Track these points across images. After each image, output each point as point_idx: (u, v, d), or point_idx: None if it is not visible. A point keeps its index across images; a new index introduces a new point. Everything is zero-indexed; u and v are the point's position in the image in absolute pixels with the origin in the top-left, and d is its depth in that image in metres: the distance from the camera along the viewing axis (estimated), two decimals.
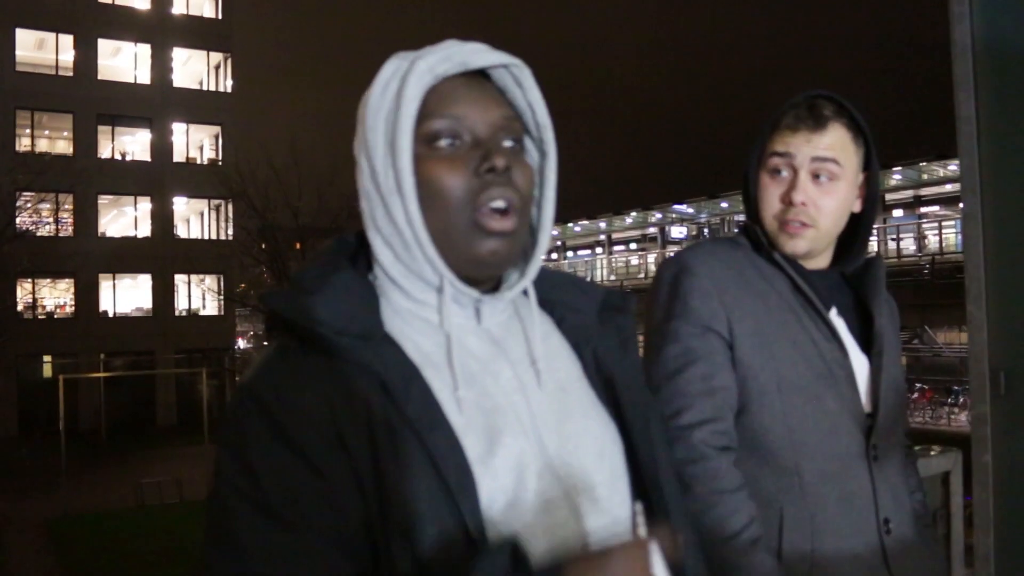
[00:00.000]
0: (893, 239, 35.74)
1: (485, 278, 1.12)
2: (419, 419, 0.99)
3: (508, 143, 1.11)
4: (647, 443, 1.17)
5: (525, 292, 1.17)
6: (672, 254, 1.91)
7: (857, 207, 1.85)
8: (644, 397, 1.22)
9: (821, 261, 1.85)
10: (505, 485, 1.01)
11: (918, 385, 28.74)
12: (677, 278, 1.77)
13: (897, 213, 43.47)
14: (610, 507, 1.10)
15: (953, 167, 38.48)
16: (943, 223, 36.40)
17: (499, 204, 1.07)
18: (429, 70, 1.07)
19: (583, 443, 1.11)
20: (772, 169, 1.79)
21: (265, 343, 1.13)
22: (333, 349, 1.01)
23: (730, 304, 1.73)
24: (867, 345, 1.80)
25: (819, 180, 1.76)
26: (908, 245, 35.63)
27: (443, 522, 0.96)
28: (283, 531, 0.97)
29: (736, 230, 1.94)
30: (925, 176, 42.31)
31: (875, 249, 33.81)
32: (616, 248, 59.79)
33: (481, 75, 1.13)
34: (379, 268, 1.11)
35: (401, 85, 1.07)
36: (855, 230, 1.87)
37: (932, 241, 35.35)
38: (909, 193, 43.46)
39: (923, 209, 42.80)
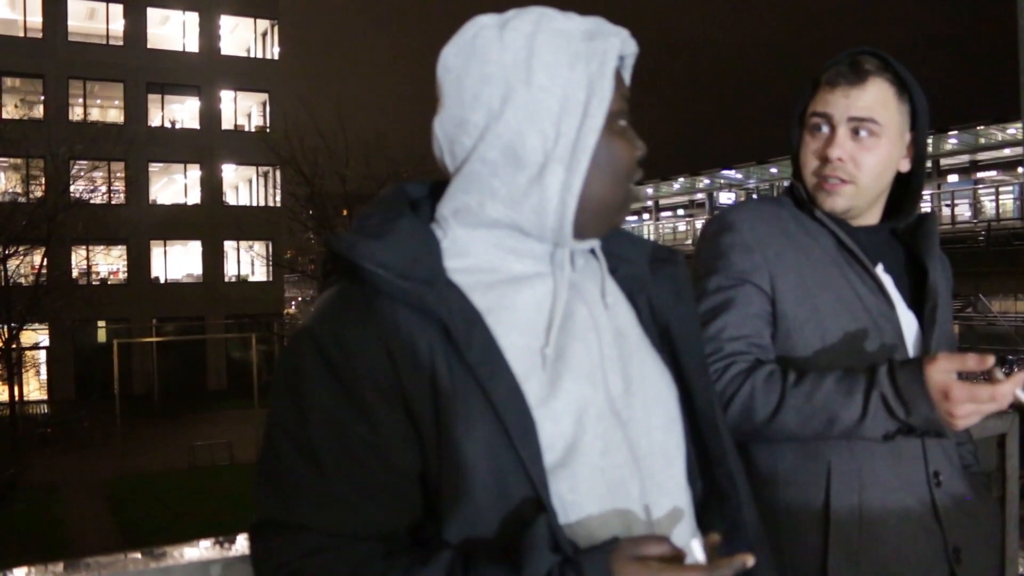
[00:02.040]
0: (948, 205, 35.01)
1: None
2: (480, 364, 1.00)
3: None
4: (705, 389, 1.21)
5: None
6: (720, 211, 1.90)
7: (905, 166, 1.82)
8: (700, 346, 1.25)
9: (869, 218, 1.83)
10: (565, 429, 1.03)
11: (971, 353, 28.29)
12: (719, 233, 1.78)
13: (952, 178, 42.55)
14: (666, 450, 1.14)
15: (1013, 130, 37.53)
16: (1000, 188, 35.58)
17: (638, 183, 1.18)
18: (616, 49, 1.11)
19: (645, 386, 1.14)
20: (812, 127, 1.78)
21: (319, 291, 1.15)
22: (396, 293, 1.03)
23: (772, 259, 1.73)
24: (918, 303, 1.78)
25: (859, 136, 1.74)
26: (963, 211, 34.88)
27: (502, 470, 0.99)
28: (321, 478, 1.00)
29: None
30: (982, 140, 41.33)
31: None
32: (663, 215, 59.40)
33: None
34: (462, 218, 1.12)
35: (599, 61, 1.09)
36: (906, 189, 1.84)
37: (988, 207, 34.57)
38: (965, 158, 42.52)
39: (979, 175, 41.85)
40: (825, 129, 1.76)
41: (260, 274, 36.46)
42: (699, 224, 45.62)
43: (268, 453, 1.04)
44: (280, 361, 1.07)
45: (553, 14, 1.11)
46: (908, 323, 1.76)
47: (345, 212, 28.70)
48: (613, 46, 1.10)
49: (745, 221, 1.78)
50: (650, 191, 59.06)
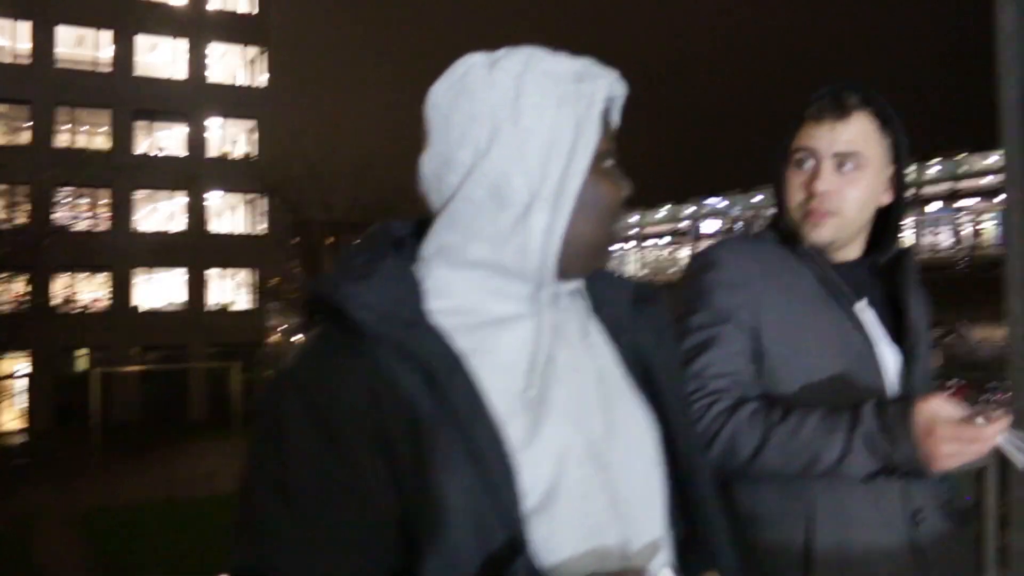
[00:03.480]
0: (930, 232, 35.29)
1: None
2: (461, 409, 1.01)
3: None
4: (685, 432, 1.22)
5: None
6: (703, 248, 1.93)
7: (886, 199, 1.83)
8: (681, 387, 1.28)
9: (851, 252, 1.84)
10: (545, 473, 1.04)
11: (953, 380, 28.38)
12: (702, 271, 1.79)
13: (934, 206, 42.92)
14: (646, 493, 1.15)
15: (993, 159, 37.98)
16: (981, 216, 35.93)
17: (623, 225, 1.19)
18: (604, 92, 1.12)
19: (626, 429, 1.15)
20: (797, 161, 1.79)
21: (301, 334, 1.15)
22: (378, 336, 1.02)
23: (755, 296, 1.74)
24: (899, 338, 1.79)
25: (843, 169, 1.75)
26: (945, 239, 35.16)
27: (481, 514, 0.99)
28: (300, 526, 1.00)
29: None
30: (963, 168, 41.80)
31: (909, 241, 33.50)
32: (647, 242, 59.75)
33: None
34: (446, 256, 1.12)
35: (586, 103, 1.10)
36: (886, 222, 1.85)
37: (969, 235, 34.86)
38: (946, 186, 42.92)
39: (960, 203, 42.28)
40: (810, 163, 1.78)
41: (244, 302, 36.29)
42: (684, 252, 45.85)
43: (245, 499, 1.04)
44: (260, 403, 1.07)
45: (542, 55, 1.13)
46: (890, 359, 1.77)
47: (331, 240, 28.77)
48: (601, 88, 1.11)
49: (728, 259, 1.79)
50: (635, 218, 59.40)
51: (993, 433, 1.49)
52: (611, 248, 1.18)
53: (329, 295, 1.05)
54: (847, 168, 1.74)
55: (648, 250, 54.23)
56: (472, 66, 1.12)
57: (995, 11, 2.93)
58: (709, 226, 55.24)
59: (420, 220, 1.19)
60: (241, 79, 37.02)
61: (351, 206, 28.32)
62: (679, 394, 1.25)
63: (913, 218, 37.04)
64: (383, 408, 1.00)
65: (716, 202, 54.87)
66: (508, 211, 1.08)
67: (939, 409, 1.51)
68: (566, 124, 1.08)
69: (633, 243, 58.76)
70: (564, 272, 1.12)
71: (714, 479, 1.28)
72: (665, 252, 49.77)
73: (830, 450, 1.56)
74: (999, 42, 2.90)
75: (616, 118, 1.20)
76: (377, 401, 1.00)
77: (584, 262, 1.14)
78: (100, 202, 33.28)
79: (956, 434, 1.49)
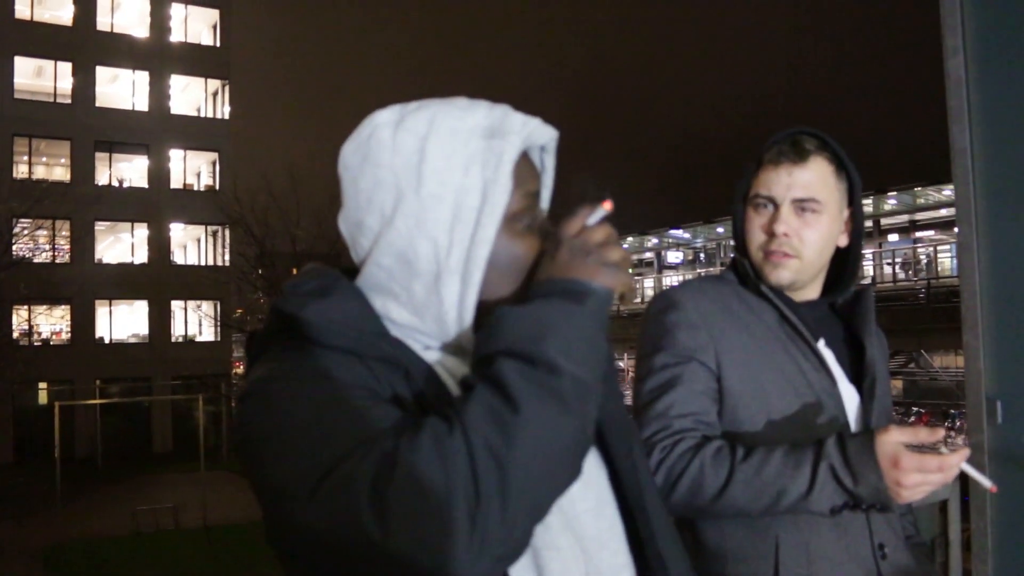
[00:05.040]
0: (889, 263, 35.79)
1: None
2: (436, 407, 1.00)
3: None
4: (631, 469, 1.19)
5: None
6: (667, 281, 1.98)
7: (844, 241, 1.87)
8: (626, 425, 1.24)
9: (810, 292, 1.87)
10: None
11: (915, 410, 28.69)
12: (664, 312, 1.81)
13: (892, 238, 43.53)
14: (597, 533, 1.13)
15: (948, 191, 38.61)
16: (938, 247, 36.47)
17: None
18: (516, 148, 1.08)
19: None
20: (757, 204, 1.83)
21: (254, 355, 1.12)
22: (352, 345, 1.02)
23: (717, 336, 1.76)
24: (857, 376, 1.82)
25: (803, 213, 1.79)
26: (904, 269, 35.64)
27: None
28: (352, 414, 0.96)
29: (725, 265, 1.98)
30: (920, 200, 42.45)
31: (869, 275, 33.78)
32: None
33: None
34: (385, 319, 1.10)
35: (495, 162, 1.06)
36: (843, 263, 1.89)
37: (927, 265, 35.35)
38: (904, 218, 43.56)
39: (918, 233, 42.91)
40: (769, 207, 1.81)
41: (208, 334, 35.86)
42: (648, 283, 46.07)
43: (285, 428, 0.96)
44: (240, 412, 1.03)
45: (451, 110, 1.09)
46: (849, 397, 1.79)
47: (296, 272, 28.51)
48: (512, 145, 1.07)
49: (690, 300, 1.80)
50: None
51: (958, 460, 1.49)
52: None
53: (295, 312, 1.04)
54: (806, 212, 1.78)
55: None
56: (377, 127, 1.10)
57: (944, 59, 3.07)
58: (673, 256, 55.54)
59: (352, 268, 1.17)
60: (204, 111, 36.78)
61: (316, 238, 28.12)
62: (624, 434, 1.22)
63: (872, 249, 37.52)
64: (376, 392, 1.00)
65: (680, 233, 55.16)
66: (418, 280, 1.06)
67: (902, 438, 1.52)
68: (473, 189, 1.05)
69: None
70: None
71: (668, 514, 1.27)
72: None
73: (796, 485, 1.56)
74: (948, 89, 3.02)
75: (549, 163, 1.19)
76: (371, 386, 1.01)
77: None
78: (60, 234, 32.78)
79: (920, 464, 1.49)
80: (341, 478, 0.89)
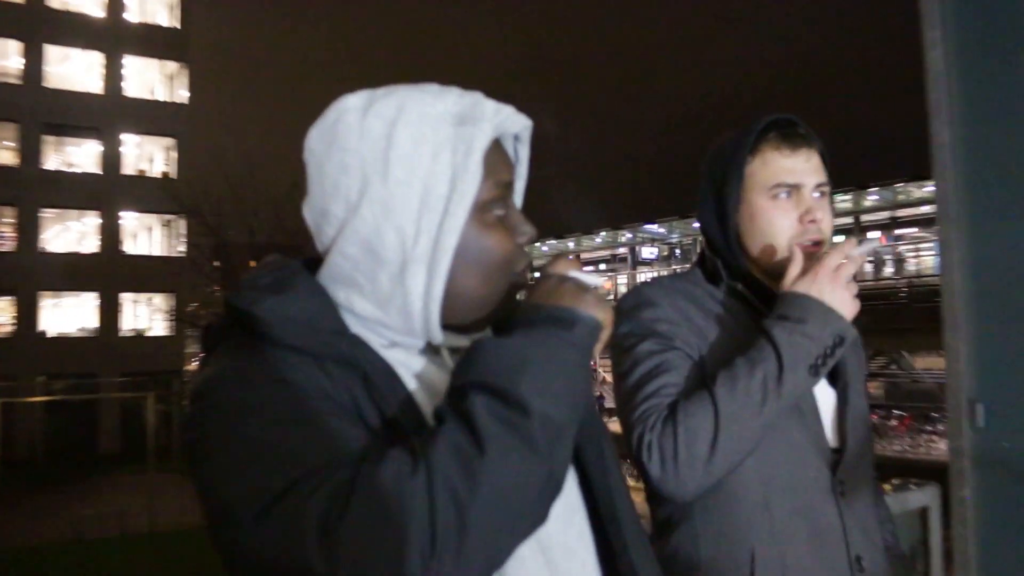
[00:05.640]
0: (870, 261, 36.06)
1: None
2: (403, 423, 1.02)
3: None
4: (601, 474, 1.20)
5: None
6: (641, 277, 1.98)
7: None
8: (596, 426, 1.24)
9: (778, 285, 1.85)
10: None
11: (896, 412, 28.93)
12: (639, 309, 1.82)
13: (873, 234, 43.84)
14: (564, 541, 1.13)
15: (929, 188, 38.94)
16: (920, 245, 36.79)
17: (525, 272, 1.16)
18: (487, 136, 1.08)
19: None
20: (774, 194, 1.80)
21: (205, 352, 1.13)
22: (307, 345, 1.02)
23: (696, 332, 1.78)
24: (833, 377, 1.83)
25: (822, 198, 1.81)
26: (885, 267, 35.91)
27: None
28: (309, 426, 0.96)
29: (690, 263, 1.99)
30: (901, 197, 42.83)
31: None
32: (585, 269, 59.82)
33: None
34: (347, 312, 1.11)
35: (465, 149, 1.07)
36: None
37: (910, 263, 35.65)
38: (885, 214, 43.92)
39: (899, 231, 43.31)
40: (791, 195, 1.80)
41: (160, 329, 35.55)
42: (622, 280, 46.21)
43: (235, 446, 0.95)
44: (190, 414, 1.01)
45: (421, 96, 1.10)
46: (825, 400, 1.80)
47: (253, 264, 28.29)
48: (483, 131, 1.08)
49: (664, 297, 1.82)
50: (571, 245, 59.79)
51: (850, 245, 1.71)
52: (515, 295, 1.15)
53: (247, 307, 1.04)
54: (824, 196, 1.81)
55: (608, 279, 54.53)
56: (345, 111, 1.10)
57: (924, 51, 3.08)
58: (648, 252, 55.73)
59: (314, 259, 1.17)
60: (160, 94, 36.41)
61: (275, 229, 27.92)
62: (595, 439, 1.22)
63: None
64: (334, 400, 1.00)
65: (654, 228, 55.34)
66: (384, 270, 1.07)
67: (796, 272, 1.70)
68: (441, 176, 1.06)
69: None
70: (458, 327, 1.12)
71: (637, 520, 1.26)
72: (603, 279, 50.07)
73: (767, 365, 1.62)
74: (928, 82, 3.03)
75: (524, 153, 1.20)
76: (328, 390, 1.00)
77: (478, 316, 1.13)
78: (4, 220, 32.36)
79: (834, 261, 1.68)
80: (291, 507, 0.89)
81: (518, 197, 1.21)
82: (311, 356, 1.02)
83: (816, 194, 1.79)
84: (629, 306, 1.84)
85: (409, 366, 1.11)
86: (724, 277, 1.84)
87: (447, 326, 1.11)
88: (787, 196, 1.79)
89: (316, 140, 1.12)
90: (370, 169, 1.06)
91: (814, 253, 1.74)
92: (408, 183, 1.05)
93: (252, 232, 28.52)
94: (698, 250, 1.97)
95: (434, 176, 1.06)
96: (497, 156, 1.12)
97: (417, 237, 1.05)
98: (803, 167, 1.79)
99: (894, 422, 27.80)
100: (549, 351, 0.99)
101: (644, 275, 45.93)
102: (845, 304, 1.67)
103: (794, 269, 1.72)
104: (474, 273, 1.10)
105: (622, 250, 58.19)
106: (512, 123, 1.14)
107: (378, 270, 1.07)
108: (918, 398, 30.41)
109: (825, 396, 1.81)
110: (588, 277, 1.11)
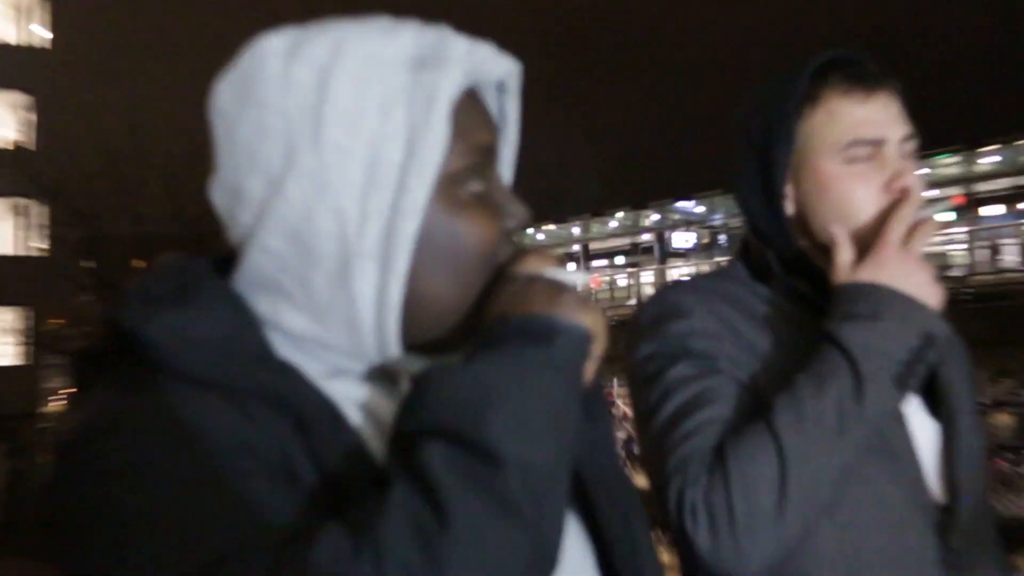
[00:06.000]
0: (986, 247, 36.19)
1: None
2: (346, 476, 1.01)
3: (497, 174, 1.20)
4: (629, 553, 1.23)
5: None
6: (673, 274, 1.96)
7: None
8: (622, 487, 1.28)
9: None
10: None
11: None
12: (664, 321, 1.84)
13: (992, 210, 44.04)
14: None
15: None
16: None
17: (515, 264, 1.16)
18: (455, 83, 1.08)
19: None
20: (852, 156, 1.81)
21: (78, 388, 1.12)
22: (218, 376, 1.01)
23: (745, 349, 1.81)
24: (933, 406, 1.85)
25: (908, 157, 1.83)
26: (1010, 254, 36.02)
27: None
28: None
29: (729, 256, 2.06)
30: None
31: (961, 263, 34.30)
32: (595, 263, 60.18)
33: None
34: (274, 330, 1.11)
35: (424, 101, 1.06)
36: None
37: None
38: (1007, 182, 44.07)
39: None
40: (866, 152, 1.81)
41: (7, 355, 35.49)
42: (646, 278, 46.32)
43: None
44: (57, 471, 1.01)
45: (366, 33, 1.10)
46: (923, 432, 1.82)
47: (141, 263, 28.50)
48: (449, 78, 1.07)
49: (698, 303, 1.85)
50: (576, 231, 59.95)
51: (912, 207, 1.74)
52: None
53: (137, 328, 1.03)
54: (910, 155, 1.84)
55: (597, 275, 54.51)
56: (263, 56, 1.10)
57: None
58: (681, 239, 55.96)
59: (226, 259, 1.17)
60: (10, 36, 36.67)
61: (170, 216, 28.12)
62: (618, 497, 1.26)
63: (965, 228, 37.95)
64: (257, 454, 0.98)
65: (690, 207, 55.59)
66: (319, 269, 1.06)
67: (848, 258, 1.76)
68: (394, 137, 1.05)
69: (574, 265, 59.14)
70: (424, 347, 1.13)
71: None
72: (622, 276, 50.10)
73: (840, 380, 1.63)
74: None
75: (511, 111, 1.22)
76: (251, 445, 0.98)
77: (451, 330, 1.13)
78: None
79: (898, 232, 1.72)
80: None
81: (506, 168, 1.23)
82: (225, 392, 1.01)
83: (903, 150, 1.82)
84: (651, 318, 1.87)
85: (358, 402, 1.11)
86: (778, 273, 1.87)
87: (410, 345, 1.12)
88: (866, 158, 1.81)
89: (226, 95, 1.12)
90: (297, 132, 1.06)
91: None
92: (348, 149, 1.05)
93: (138, 220, 28.75)
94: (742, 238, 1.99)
95: (384, 139, 1.05)
96: (472, 111, 1.13)
97: (363, 222, 1.05)
98: (884, 116, 1.81)
99: None
100: (522, 377, 1.00)
101: (677, 271, 46.01)
102: (926, 289, 1.69)
103: (844, 254, 1.75)
104: (443, 270, 1.10)
105: (646, 237, 58.45)
106: (493, 67, 1.15)
107: (311, 270, 1.07)
108: None
109: (925, 431, 1.82)
110: (566, 274, 1.12)
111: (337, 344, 1.10)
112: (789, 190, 1.85)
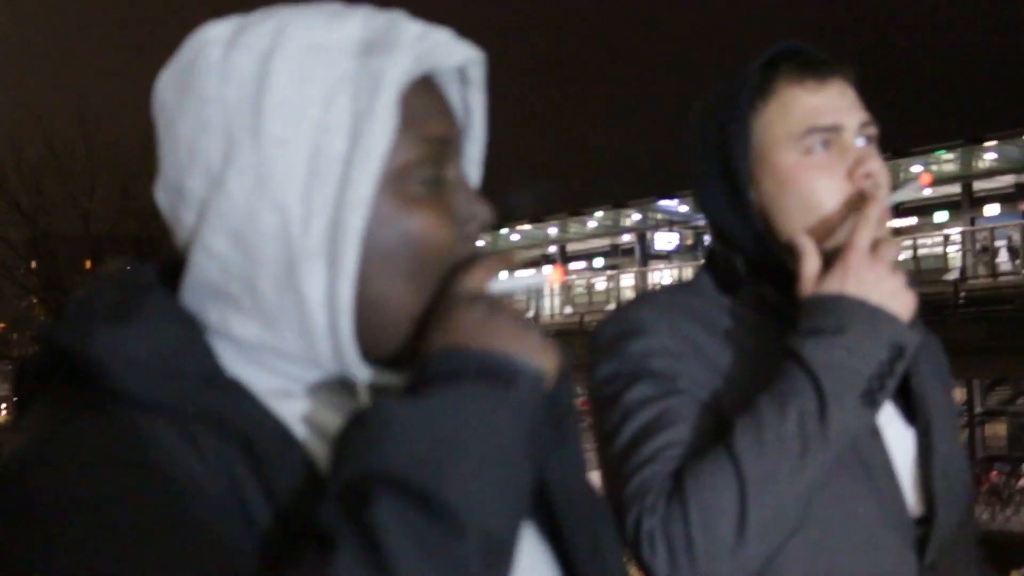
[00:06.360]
0: (983, 248, 36.34)
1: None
2: (295, 499, 0.99)
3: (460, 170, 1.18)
4: (595, 572, 1.22)
5: None
6: (655, 278, 1.98)
7: None
8: (590, 506, 1.28)
9: None
10: None
11: None
12: (623, 340, 1.86)
13: (991, 209, 44.14)
14: None
15: None
16: None
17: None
18: (403, 68, 1.06)
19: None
20: (808, 146, 1.83)
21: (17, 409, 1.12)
22: (165, 399, 0.99)
23: (708, 368, 1.82)
24: (910, 414, 1.88)
25: (867, 143, 1.86)
26: (1008, 257, 36.15)
27: None
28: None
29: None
30: None
31: (955, 267, 34.44)
32: (573, 265, 60.08)
33: None
34: (224, 340, 1.10)
35: (370, 88, 1.05)
36: None
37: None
38: (1008, 179, 44.09)
39: None
40: (821, 146, 1.84)
41: None
42: (627, 281, 46.35)
43: None
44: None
45: (311, 18, 1.09)
46: (901, 445, 1.84)
47: (88, 264, 28.38)
48: (396, 63, 1.06)
49: (659, 320, 1.86)
50: (553, 231, 59.81)
51: (879, 205, 1.76)
52: None
53: (75, 346, 1.02)
54: (870, 141, 1.86)
55: (573, 279, 54.37)
56: (204, 45, 1.09)
57: None
58: (664, 240, 55.87)
59: (174, 264, 1.16)
60: None
61: (121, 213, 27.97)
62: (586, 519, 1.25)
63: (959, 228, 38.10)
64: (204, 491, 0.96)
65: (673, 206, 55.47)
66: (264, 270, 1.05)
67: (813, 269, 1.76)
68: (338, 127, 1.05)
69: (549, 268, 58.89)
70: (386, 359, 1.11)
71: None
72: (601, 280, 50.02)
73: (802, 401, 1.64)
74: None
75: (475, 104, 1.21)
76: (192, 476, 0.97)
77: (408, 335, 1.11)
78: None
79: (866, 237, 1.71)
80: None
81: (473, 167, 1.23)
82: (169, 416, 0.99)
83: (861, 139, 1.84)
84: (610, 337, 1.88)
85: (310, 421, 1.10)
86: (746, 279, 1.88)
87: (369, 356, 1.10)
88: (823, 147, 1.83)
89: (168, 88, 1.12)
90: (237, 124, 1.05)
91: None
92: (289, 141, 1.04)
93: (87, 218, 28.59)
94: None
95: (327, 129, 1.05)
96: (424, 100, 1.12)
97: (307, 219, 1.04)
98: (839, 102, 1.83)
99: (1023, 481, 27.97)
100: (485, 424, 0.97)
101: (658, 274, 45.99)
102: (896, 298, 1.70)
103: (810, 264, 1.76)
104: (395, 271, 1.09)
105: (627, 238, 58.39)
106: (449, 54, 1.12)
107: (257, 271, 1.06)
108: None
109: (901, 442, 1.84)
110: (523, 279, 1.14)
111: (291, 352, 1.09)
112: (751, 189, 1.86)
